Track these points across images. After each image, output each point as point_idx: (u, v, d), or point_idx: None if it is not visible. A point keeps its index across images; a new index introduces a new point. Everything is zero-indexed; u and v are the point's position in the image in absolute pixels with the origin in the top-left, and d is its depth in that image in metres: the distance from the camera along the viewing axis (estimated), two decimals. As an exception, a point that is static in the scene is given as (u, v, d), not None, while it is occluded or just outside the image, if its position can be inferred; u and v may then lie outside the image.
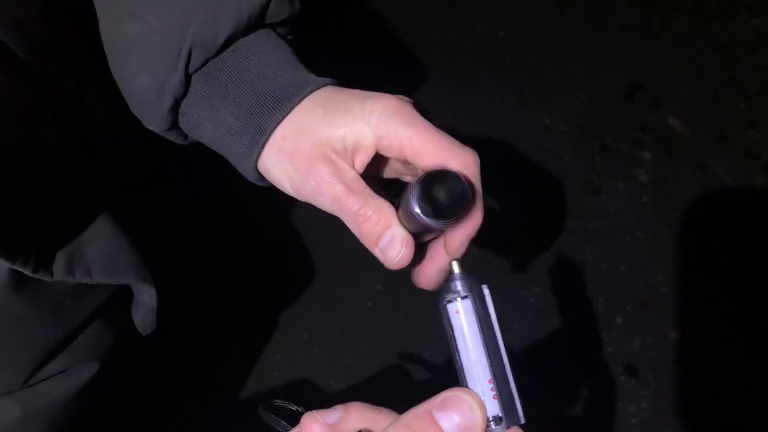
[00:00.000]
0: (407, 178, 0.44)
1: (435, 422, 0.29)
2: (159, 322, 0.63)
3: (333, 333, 0.99)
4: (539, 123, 1.23)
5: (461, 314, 0.32)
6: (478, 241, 0.39)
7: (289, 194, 0.42)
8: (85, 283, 0.53)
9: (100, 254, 0.54)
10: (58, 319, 0.56)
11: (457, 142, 0.38)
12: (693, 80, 1.28)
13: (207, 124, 0.43)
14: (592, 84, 1.28)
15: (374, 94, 0.40)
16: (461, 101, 1.26)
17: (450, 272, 0.34)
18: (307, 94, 0.41)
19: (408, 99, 0.42)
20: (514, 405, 0.31)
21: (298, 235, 1.08)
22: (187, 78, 0.42)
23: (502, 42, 1.35)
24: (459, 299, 0.32)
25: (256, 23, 0.42)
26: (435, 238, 0.41)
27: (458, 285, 0.33)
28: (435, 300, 0.34)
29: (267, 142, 0.41)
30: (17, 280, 0.50)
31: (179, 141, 0.47)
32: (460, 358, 0.32)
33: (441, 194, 0.34)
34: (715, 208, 1.13)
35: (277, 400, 0.39)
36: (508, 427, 0.30)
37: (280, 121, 0.40)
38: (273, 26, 0.44)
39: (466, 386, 0.32)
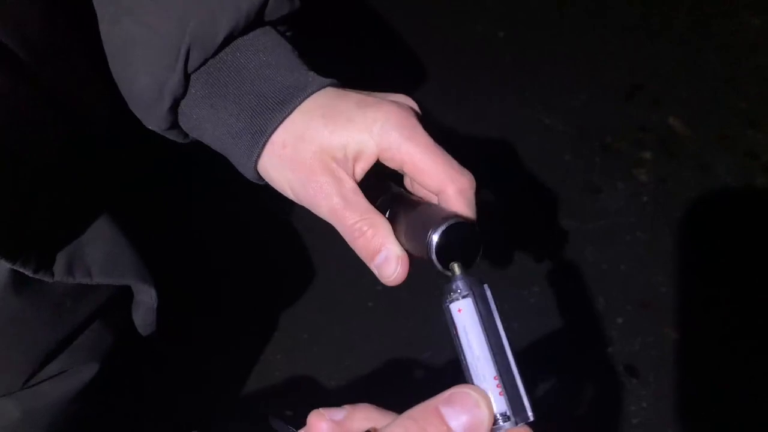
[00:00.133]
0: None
1: (441, 417, 0.29)
2: (159, 322, 0.63)
3: (333, 333, 0.99)
4: (539, 123, 1.23)
5: (463, 313, 0.32)
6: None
7: (289, 198, 0.42)
8: (85, 283, 0.53)
9: (100, 255, 0.54)
10: (59, 319, 0.56)
11: (455, 164, 0.39)
12: (693, 80, 1.28)
13: (207, 124, 0.43)
14: (592, 84, 1.28)
15: (375, 99, 0.40)
16: (461, 101, 1.26)
17: (452, 274, 0.35)
18: (308, 96, 0.41)
19: (407, 103, 0.42)
20: (521, 402, 0.31)
21: (299, 235, 1.08)
22: (186, 78, 0.42)
23: (502, 42, 1.35)
24: (461, 298, 0.33)
25: (255, 21, 0.42)
26: None
27: (459, 285, 0.33)
28: (435, 300, 0.35)
29: (267, 146, 0.41)
30: (17, 281, 0.50)
31: (180, 140, 0.47)
32: (464, 356, 0.32)
33: (456, 244, 0.36)
34: (715, 208, 1.13)
35: (287, 412, 0.39)
36: (517, 424, 0.30)
37: (281, 122, 0.40)
38: (272, 24, 0.44)
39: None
